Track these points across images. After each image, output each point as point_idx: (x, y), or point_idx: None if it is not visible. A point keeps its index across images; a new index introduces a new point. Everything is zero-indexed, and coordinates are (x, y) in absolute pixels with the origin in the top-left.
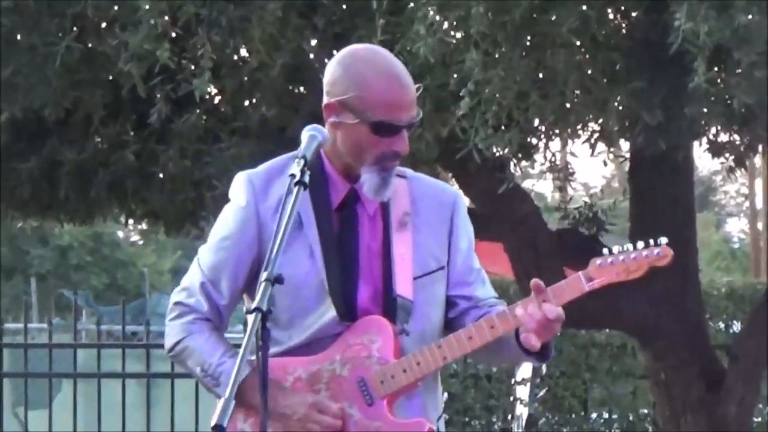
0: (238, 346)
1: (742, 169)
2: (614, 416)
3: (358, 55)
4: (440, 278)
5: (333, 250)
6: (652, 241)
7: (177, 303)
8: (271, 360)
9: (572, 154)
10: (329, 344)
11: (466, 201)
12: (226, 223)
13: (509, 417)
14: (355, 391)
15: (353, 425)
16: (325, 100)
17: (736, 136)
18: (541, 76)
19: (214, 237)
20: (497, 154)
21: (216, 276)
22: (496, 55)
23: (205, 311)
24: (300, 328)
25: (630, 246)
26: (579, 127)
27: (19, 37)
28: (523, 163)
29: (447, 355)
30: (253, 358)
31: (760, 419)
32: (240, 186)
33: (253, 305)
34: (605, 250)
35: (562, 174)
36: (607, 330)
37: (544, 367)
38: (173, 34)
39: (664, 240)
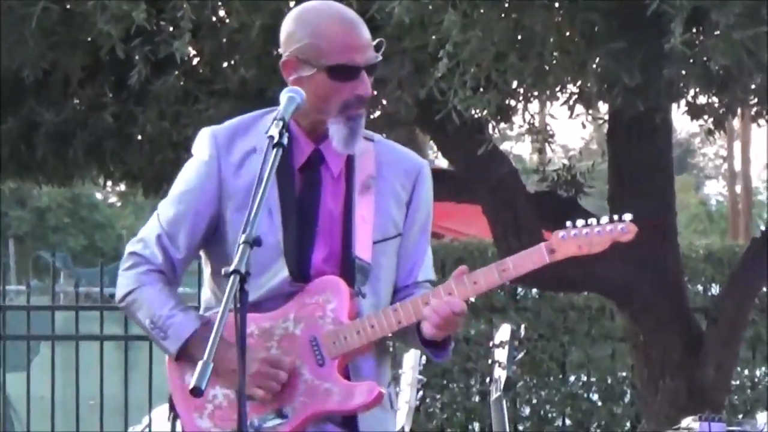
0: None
1: (721, 132)
2: (593, 379)
3: (309, 7)
4: (397, 245)
5: (292, 211)
6: (616, 217)
7: (131, 253)
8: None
9: (551, 116)
10: (282, 303)
11: (444, 163)
12: (187, 177)
13: (487, 380)
14: (307, 350)
15: (303, 384)
16: (283, 58)
17: (715, 99)
18: (519, 37)
19: (174, 190)
20: (476, 115)
21: (174, 229)
22: (474, 16)
23: (159, 263)
24: (253, 286)
25: (594, 220)
26: (557, 89)
27: None
28: (502, 125)
29: (402, 319)
30: (207, 313)
31: (738, 382)
32: (203, 141)
33: (231, 267)
34: (568, 223)
35: (541, 136)
36: (586, 293)
37: (522, 330)
38: None
39: (628, 216)
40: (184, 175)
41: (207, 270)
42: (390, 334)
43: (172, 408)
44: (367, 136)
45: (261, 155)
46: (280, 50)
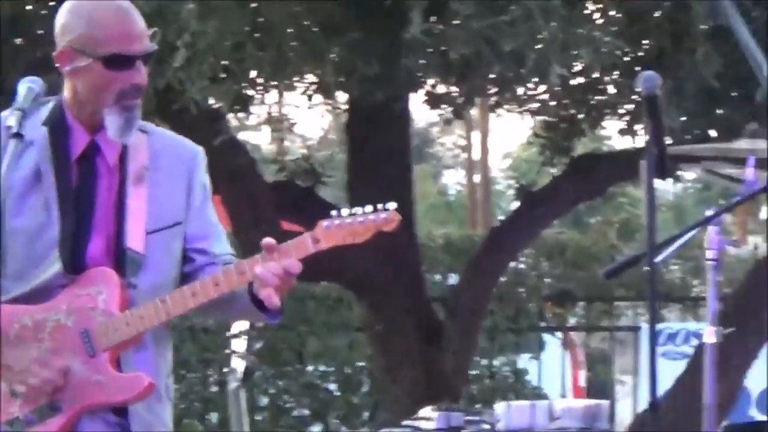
0: None
1: (460, 121)
2: (330, 369)
3: None
4: (177, 234)
5: (69, 203)
6: (380, 206)
7: None
8: None
9: (294, 106)
10: (56, 295)
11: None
12: None
13: (225, 370)
14: (78, 343)
15: (74, 377)
16: (57, 49)
17: (454, 88)
18: (257, 27)
19: None
20: (214, 106)
21: None
22: (212, 7)
23: None
24: (28, 278)
25: (359, 209)
26: (296, 78)
27: None
28: (240, 114)
29: (170, 310)
30: None
31: (476, 372)
32: None
33: None
34: (333, 212)
35: (284, 125)
36: (324, 282)
37: None
38: None
39: (392, 205)
40: None
41: None
42: (157, 324)
43: None
44: (141, 128)
45: (37, 148)
46: (56, 41)
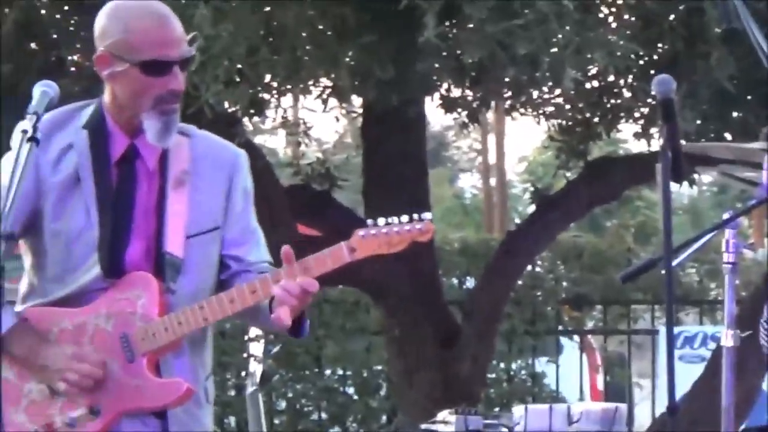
0: None
1: (475, 125)
2: (348, 372)
3: (122, 2)
4: (215, 238)
5: (108, 206)
6: (416, 216)
7: None
8: (39, 310)
9: (309, 109)
10: (94, 299)
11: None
12: (4, 173)
13: (243, 373)
14: (117, 347)
15: (113, 381)
16: (96, 53)
17: (469, 92)
18: (271, 31)
19: None
20: (229, 109)
21: None
22: (226, 10)
23: None
24: (68, 282)
25: (395, 219)
26: (311, 82)
27: None
28: (255, 118)
29: (208, 317)
30: (18, 309)
31: (494, 375)
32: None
33: None
34: (369, 221)
35: (301, 129)
36: (341, 286)
37: None
38: None
39: (427, 215)
40: (2, 169)
41: (27, 262)
42: (195, 329)
43: None
44: (183, 131)
45: (77, 151)
46: (95, 44)
